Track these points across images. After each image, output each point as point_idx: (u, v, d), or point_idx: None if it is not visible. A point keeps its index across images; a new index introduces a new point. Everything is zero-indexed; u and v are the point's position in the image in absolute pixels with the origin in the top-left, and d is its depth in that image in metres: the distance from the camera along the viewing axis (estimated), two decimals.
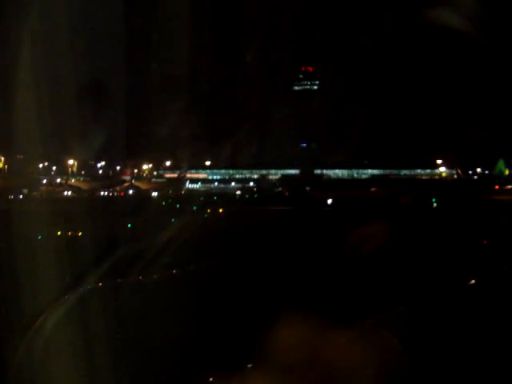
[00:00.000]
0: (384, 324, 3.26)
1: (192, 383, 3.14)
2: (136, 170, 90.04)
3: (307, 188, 59.88)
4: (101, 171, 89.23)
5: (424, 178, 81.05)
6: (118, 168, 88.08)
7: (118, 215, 27.88)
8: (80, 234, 19.93)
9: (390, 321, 3.30)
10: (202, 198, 52.94)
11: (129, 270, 5.55)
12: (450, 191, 54.12)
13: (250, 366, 3.13)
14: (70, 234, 20.44)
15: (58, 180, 75.97)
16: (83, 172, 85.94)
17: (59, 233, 20.40)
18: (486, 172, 78.31)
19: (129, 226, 23.89)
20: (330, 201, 36.28)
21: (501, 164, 75.38)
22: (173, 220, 27.42)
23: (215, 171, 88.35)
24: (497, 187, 61.06)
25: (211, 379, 3.13)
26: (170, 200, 49.65)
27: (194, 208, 36.36)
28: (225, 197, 55.82)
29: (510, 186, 61.71)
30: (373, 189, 56.52)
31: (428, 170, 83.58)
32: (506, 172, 74.43)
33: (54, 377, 3.24)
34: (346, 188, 61.48)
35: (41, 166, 78.63)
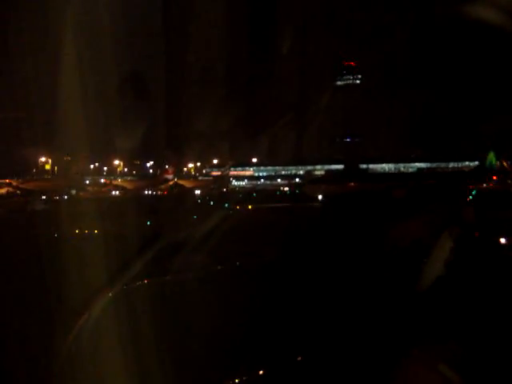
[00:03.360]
0: (440, 357, 3.27)
1: (228, 377, 3.28)
2: (185, 169, 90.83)
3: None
4: (151, 170, 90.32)
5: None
6: (167, 167, 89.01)
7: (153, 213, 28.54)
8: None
9: (445, 354, 3.31)
10: (240, 195, 53.41)
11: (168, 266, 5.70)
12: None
13: (299, 358, 3.36)
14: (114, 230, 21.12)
15: (102, 180, 77.47)
16: (134, 172, 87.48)
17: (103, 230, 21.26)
18: None
19: (148, 223, 24.65)
20: (320, 196, 36.58)
21: (491, 156, 74.36)
22: (194, 217, 28.13)
23: (261, 168, 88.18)
24: (494, 178, 60.49)
25: (261, 372, 3.29)
26: (208, 197, 50.20)
27: (226, 205, 36.90)
28: (264, 194, 55.97)
29: None
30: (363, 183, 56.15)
31: (476, 162, 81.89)
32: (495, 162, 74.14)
33: (101, 364, 3.50)
34: (340, 182, 61.39)
35: (92, 166, 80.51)
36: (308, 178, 78.66)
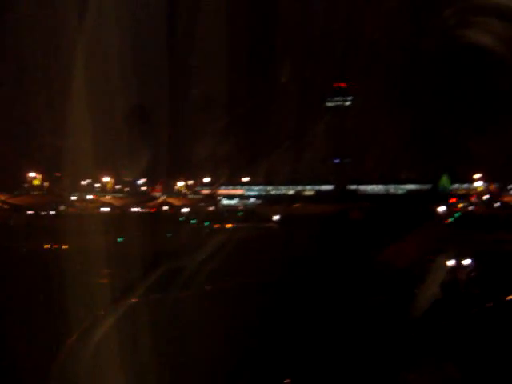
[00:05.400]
0: (438, 381, 3.31)
1: None
2: (177, 187, 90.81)
3: None
4: (145, 188, 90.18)
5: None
6: (156, 184, 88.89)
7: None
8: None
9: (442, 378, 3.32)
10: (226, 214, 53.88)
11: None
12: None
13: (286, 381, 3.43)
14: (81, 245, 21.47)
15: (90, 196, 77.54)
16: (126, 189, 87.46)
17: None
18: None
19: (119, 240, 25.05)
20: (276, 217, 36.88)
21: (444, 179, 75.04)
22: (168, 235, 28.53)
23: (252, 187, 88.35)
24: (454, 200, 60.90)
25: None
26: (191, 216, 50.75)
27: (206, 223, 37.45)
28: (249, 213, 56.38)
29: None
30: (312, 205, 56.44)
31: (465, 185, 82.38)
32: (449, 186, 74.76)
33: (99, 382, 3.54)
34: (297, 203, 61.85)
35: (84, 182, 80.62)
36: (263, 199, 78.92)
